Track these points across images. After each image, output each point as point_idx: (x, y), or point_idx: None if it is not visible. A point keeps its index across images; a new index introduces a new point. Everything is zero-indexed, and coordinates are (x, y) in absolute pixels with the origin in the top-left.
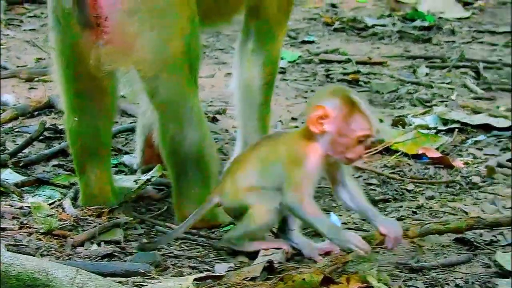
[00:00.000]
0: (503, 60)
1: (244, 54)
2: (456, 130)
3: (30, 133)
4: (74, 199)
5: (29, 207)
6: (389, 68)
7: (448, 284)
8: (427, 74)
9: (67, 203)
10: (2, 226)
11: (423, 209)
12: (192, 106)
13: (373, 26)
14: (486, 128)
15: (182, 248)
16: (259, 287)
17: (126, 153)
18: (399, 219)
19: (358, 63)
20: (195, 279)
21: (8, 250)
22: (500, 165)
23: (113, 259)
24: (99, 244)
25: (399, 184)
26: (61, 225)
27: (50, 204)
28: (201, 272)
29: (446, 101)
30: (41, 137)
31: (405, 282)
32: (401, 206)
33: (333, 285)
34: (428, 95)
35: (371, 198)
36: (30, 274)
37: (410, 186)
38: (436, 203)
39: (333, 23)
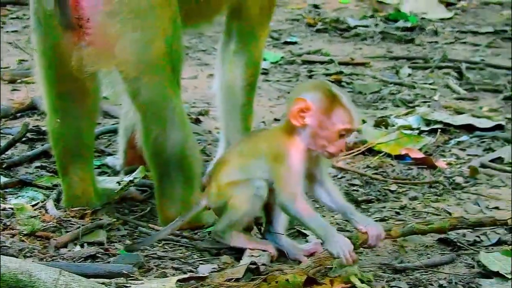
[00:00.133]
0: (486, 61)
1: (226, 55)
2: (439, 130)
3: (12, 135)
4: (57, 200)
5: (12, 208)
6: (372, 69)
7: (431, 284)
8: (409, 75)
9: (50, 204)
10: None
11: (406, 209)
12: (175, 107)
13: (355, 27)
14: (469, 128)
15: (166, 249)
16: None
17: (109, 154)
18: (382, 219)
19: (340, 63)
20: (178, 280)
21: None
22: (483, 166)
23: (96, 260)
24: (82, 246)
25: (382, 184)
26: (44, 226)
27: (33, 206)
28: (184, 273)
29: (429, 102)
30: (24, 139)
31: (389, 282)
32: (384, 207)
33: (316, 286)
34: (411, 95)
35: (354, 199)
36: (13, 276)
37: (393, 187)
38: (419, 203)
39: (316, 24)
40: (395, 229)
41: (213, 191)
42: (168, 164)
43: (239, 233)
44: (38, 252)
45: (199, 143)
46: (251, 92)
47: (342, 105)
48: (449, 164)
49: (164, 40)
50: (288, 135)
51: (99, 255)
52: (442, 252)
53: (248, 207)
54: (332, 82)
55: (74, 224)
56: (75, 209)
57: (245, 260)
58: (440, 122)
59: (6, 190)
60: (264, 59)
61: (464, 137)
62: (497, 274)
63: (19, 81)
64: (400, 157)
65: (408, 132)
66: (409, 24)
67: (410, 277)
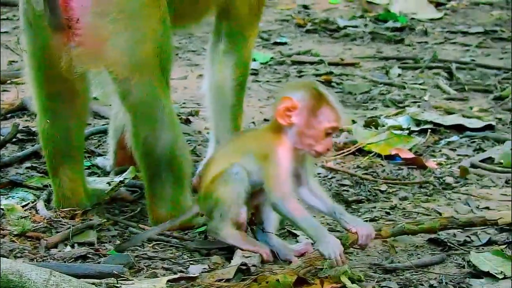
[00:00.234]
0: (476, 61)
1: (215, 55)
2: (429, 130)
3: (3, 136)
4: (48, 201)
5: (2, 209)
6: (362, 69)
7: (422, 284)
8: (399, 75)
9: (40, 205)
10: None
11: (397, 209)
12: (165, 108)
13: (345, 27)
14: (459, 128)
15: (156, 250)
16: None
17: (99, 155)
18: (373, 220)
19: (330, 64)
20: (168, 281)
21: None
22: (473, 166)
23: (86, 260)
24: (72, 246)
25: (372, 185)
26: (35, 227)
27: (23, 206)
28: (174, 273)
29: (419, 102)
30: (14, 139)
31: (379, 282)
32: (374, 207)
33: (306, 286)
34: (400, 96)
35: (344, 199)
36: (4, 276)
37: (384, 187)
38: (410, 203)
39: (305, 25)
40: (385, 229)
41: (201, 194)
42: (158, 165)
43: (235, 231)
44: (29, 253)
45: (189, 143)
46: (240, 92)
47: (328, 104)
48: (439, 164)
49: (154, 40)
50: (275, 135)
51: (90, 256)
52: (433, 252)
53: (232, 193)
54: (322, 82)
55: (64, 225)
56: (65, 209)
57: (236, 261)
58: (430, 122)
59: None
60: (254, 60)
61: (454, 137)
62: (487, 274)
63: (9, 82)
64: (390, 157)
65: (398, 132)
66: (398, 25)
67: (401, 277)
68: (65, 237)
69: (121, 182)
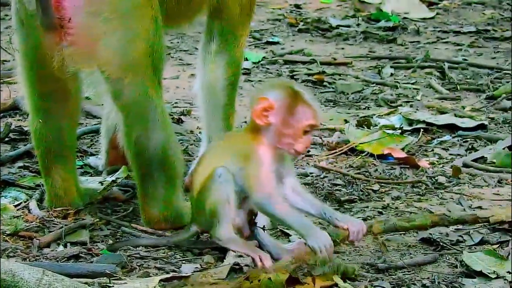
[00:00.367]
0: (468, 60)
1: (207, 55)
2: (422, 130)
3: None
4: (40, 200)
5: None
6: (354, 69)
7: (414, 284)
8: (392, 75)
9: (33, 204)
10: None
11: (389, 209)
12: (157, 107)
13: (337, 26)
14: (451, 128)
15: (148, 249)
16: (224, 286)
17: (92, 154)
18: (365, 219)
19: (322, 63)
20: (161, 280)
21: None
22: (465, 165)
23: (79, 260)
24: (65, 245)
25: (365, 184)
26: (27, 226)
27: (16, 206)
28: (167, 273)
29: (412, 102)
30: (6, 139)
31: (371, 282)
32: (367, 207)
33: (298, 286)
34: (393, 95)
35: (336, 199)
36: None
37: (376, 187)
38: (402, 203)
39: (298, 24)
40: (376, 225)
41: (194, 212)
42: (150, 164)
43: (239, 238)
44: (21, 252)
45: (181, 143)
46: (232, 92)
47: (304, 102)
48: (431, 163)
49: (146, 40)
50: (254, 135)
51: (82, 255)
52: (425, 251)
53: (220, 195)
54: (314, 82)
55: (57, 224)
56: (58, 209)
57: (229, 260)
58: (423, 122)
59: None
60: (246, 59)
61: (446, 137)
62: (480, 274)
63: (1, 81)
64: (382, 157)
65: (391, 131)
66: (391, 24)
67: (393, 276)
68: (58, 236)
69: (113, 181)
